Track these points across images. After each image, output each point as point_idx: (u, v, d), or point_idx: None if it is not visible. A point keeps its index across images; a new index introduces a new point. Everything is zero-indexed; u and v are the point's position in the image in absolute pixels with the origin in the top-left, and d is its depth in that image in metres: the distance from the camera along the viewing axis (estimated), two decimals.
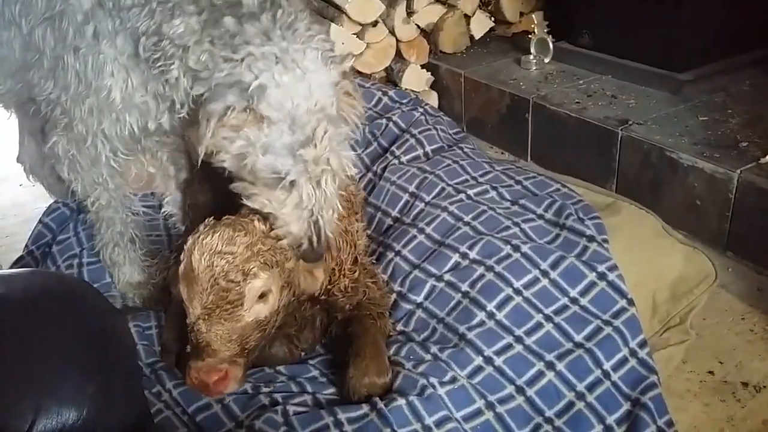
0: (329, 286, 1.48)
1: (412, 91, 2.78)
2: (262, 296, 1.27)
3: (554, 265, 1.54)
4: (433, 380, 1.36)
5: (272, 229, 1.31)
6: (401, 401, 1.31)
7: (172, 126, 1.47)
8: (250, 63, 1.24)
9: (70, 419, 0.70)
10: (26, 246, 1.95)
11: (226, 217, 1.33)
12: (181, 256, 1.28)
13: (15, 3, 1.50)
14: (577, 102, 2.38)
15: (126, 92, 1.40)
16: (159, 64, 1.33)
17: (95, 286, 1.60)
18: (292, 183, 1.27)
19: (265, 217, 1.32)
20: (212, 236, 1.26)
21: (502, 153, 2.64)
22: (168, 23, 1.29)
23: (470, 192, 1.76)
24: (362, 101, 1.43)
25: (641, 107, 2.29)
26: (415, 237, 1.66)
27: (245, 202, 1.33)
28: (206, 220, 1.32)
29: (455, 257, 1.58)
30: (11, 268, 1.78)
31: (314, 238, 1.30)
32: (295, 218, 1.30)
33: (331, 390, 1.42)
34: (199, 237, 1.27)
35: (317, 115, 1.26)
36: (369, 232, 1.80)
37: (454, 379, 1.38)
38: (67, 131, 1.49)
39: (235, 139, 1.26)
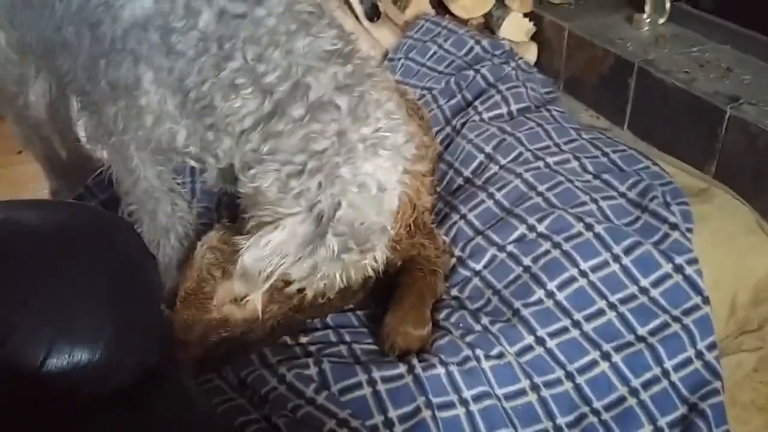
0: None
1: (510, 41, 2.64)
2: (240, 299, 1.29)
3: (628, 251, 1.44)
4: (479, 352, 1.32)
5: None
6: (440, 369, 1.27)
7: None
8: (322, 181, 1.14)
9: (82, 360, 0.70)
10: None
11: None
12: None
13: None
14: (686, 71, 2.19)
15: (158, 116, 1.24)
16: (208, 120, 1.20)
17: None
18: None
19: None
20: (218, 232, 1.33)
21: (598, 118, 2.48)
22: (221, 98, 1.17)
23: (549, 160, 1.66)
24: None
25: (757, 85, 2.07)
26: (483, 202, 1.59)
27: None
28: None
29: (522, 228, 1.50)
30: None
31: None
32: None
33: (369, 340, 1.39)
34: (211, 231, 1.34)
35: (378, 228, 1.19)
36: (439, 189, 1.74)
37: (501, 355, 1.33)
38: (98, 116, 1.33)
39: None
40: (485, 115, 1.88)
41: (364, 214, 1.17)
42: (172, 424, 0.77)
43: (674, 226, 1.48)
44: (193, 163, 1.44)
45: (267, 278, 1.17)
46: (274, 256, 1.15)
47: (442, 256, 1.51)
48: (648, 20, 2.50)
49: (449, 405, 1.25)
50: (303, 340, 1.38)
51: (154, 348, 0.78)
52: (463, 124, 1.87)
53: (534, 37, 2.74)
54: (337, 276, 1.21)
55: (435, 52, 2.21)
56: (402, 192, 1.44)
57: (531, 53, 2.72)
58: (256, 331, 1.35)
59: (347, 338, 1.40)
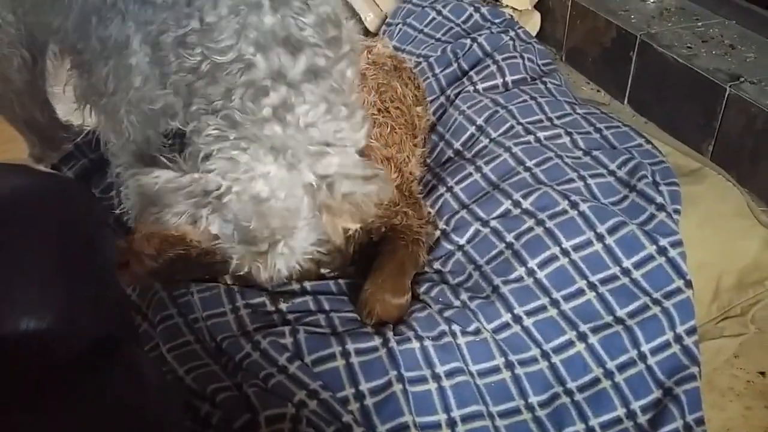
0: None
1: (514, 9, 2.58)
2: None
3: (612, 230, 1.41)
4: (456, 328, 1.31)
5: None
6: (415, 344, 1.27)
7: None
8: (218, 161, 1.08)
9: (29, 328, 0.69)
10: None
11: None
12: None
13: None
14: (688, 46, 2.13)
15: (147, 77, 1.19)
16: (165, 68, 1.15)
17: None
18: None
19: None
20: None
21: (598, 91, 2.44)
22: (173, 50, 1.12)
23: (540, 134, 1.63)
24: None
25: (759, 63, 2.03)
26: (470, 175, 1.56)
27: None
28: None
29: (506, 204, 1.48)
30: None
31: None
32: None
33: (349, 308, 1.38)
34: None
35: (268, 236, 1.13)
36: (428, 161, 1.72)
37: (477, 331, 1.32)
38: (89, 76, 1.30)
39: None
40: (480, 86, 1.84)
41: (248, 215, 1.11)
42: (123, 395, 0.76)
43: (661, 207, 1.45)
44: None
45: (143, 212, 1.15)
46: (139, 196, 1.13)
47: (425, 226, 1.49)
48: None
49: (421, 380, 1.24)
50: (282, 306, 1.37)
51: (106, 318, 0.77)
52: (457, 95, 1.83)
53: (538, 6, 2.68)
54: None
55: (433, 19, 2.16)
56: (385, 154, 1.41)
57: (534, 22, 2.66)
58: (212, 255, 1.30)
59: (326, 306, 1.38)
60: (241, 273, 1.20)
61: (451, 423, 1.21)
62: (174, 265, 1.31)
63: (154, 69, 1.18)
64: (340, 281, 1.46)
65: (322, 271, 1.44)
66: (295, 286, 1.41)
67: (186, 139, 1.12)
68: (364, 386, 1.22)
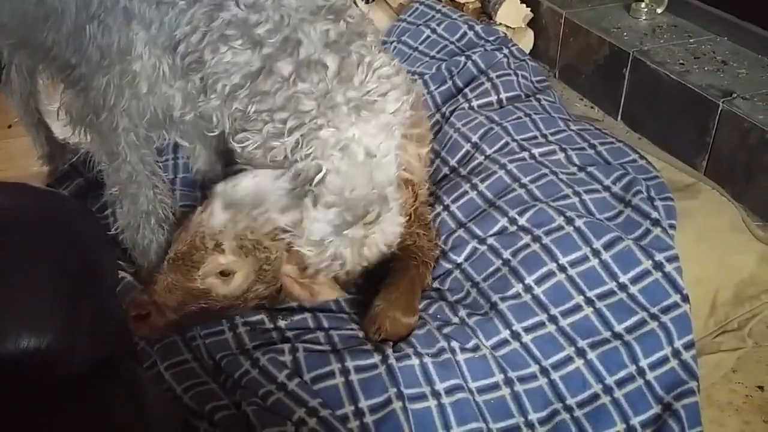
0: None
1: (507, 26, 2.61)
2: (226, 275, 1.29)
3: (608, 246, 1.42)
4: (455, 345, 1.31)
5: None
6: (414, 361, 1.26)
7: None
8: (306, 147, 1.12)
9: (29, 347, 0.69)
10: None
11: None
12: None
13: None
14: (681, 63, 2.16)
15: (154, 80, 1.21)
16: (197, 76, 1.18)
17: None
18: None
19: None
20: None
21: (592, 107, 2.46)
22: (211, 51, 1.14)
23: (535, 151, 1.64)
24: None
25: (751, 79, 2.05)
26: (466, 193, 1.57)
27: None
28: None
29: (503, 221, 1.48)
30: None
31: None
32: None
33: (349, 326, 1.38)
34: None
35: (374, 198, 1.17)
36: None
37: (476, 348, 1.32)
38: (85, 94, 1.29)
39: None
40: (474, 103, 1.85)
41: (352, 182, 1.14)
42: (123, 414, 0.76)
43: (656, 222, 1.46)
44: (184, 142, 1.46)
45: (237, 223, 1.17)
46: (246, 202, 1.14)
47: (434, 249, 1.50)
48: (646, 9, 2.48)
49: (421, 397, 1.24)
50: (281, 323, 1.37)
51: (105, 337, 0.77)
52: (452, 112, 1.84)
53: (531, 24, 2.71)
54: (347, 254, 1.20)
55: (428, 37, 2.18)
56: (404, 176, 1.43)
57: (527, 40, 2.69)
58: (236, 308, 1.34)
59: (325, 324, 1.38)
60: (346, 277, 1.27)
61: None
62: (195, 318, 1.32)
63: (172, 72, 1.20)
64: (339, 298, 1.46)
65: None
66: (294, 304, 1.41)
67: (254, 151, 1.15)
68: (364, 404, 1.22)
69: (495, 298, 1.38)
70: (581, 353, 1.32)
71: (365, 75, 1.16)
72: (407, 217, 1.45)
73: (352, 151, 1.14)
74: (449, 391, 1.25)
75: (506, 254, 1.44)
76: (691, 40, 2.30)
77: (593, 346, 1.33)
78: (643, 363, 1.32)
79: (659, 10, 2.47)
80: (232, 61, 1.15)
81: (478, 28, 2.15)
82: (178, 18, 1.16)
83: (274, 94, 1.14)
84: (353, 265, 1.26)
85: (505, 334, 1.34)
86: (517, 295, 1.38)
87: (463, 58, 2.01)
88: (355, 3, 2.51)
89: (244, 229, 1.21)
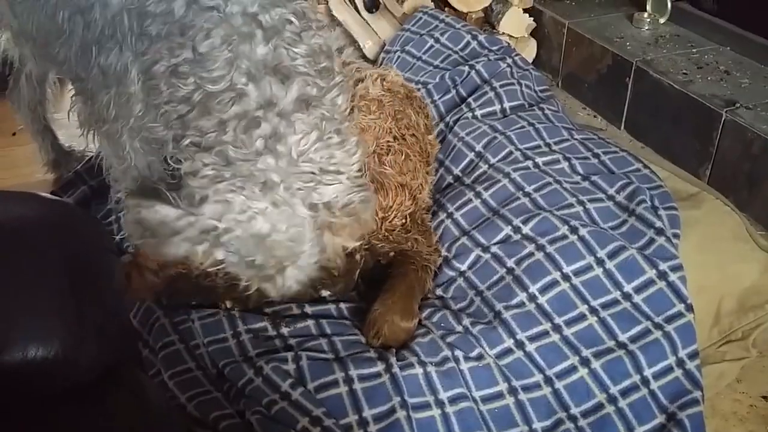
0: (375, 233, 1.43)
1: (510, 36, 2.62)
2: None
3: (612, 255, 1.42)
4: (459, 353, 1.31)
5: None
6: (418, 369, 1.26)
7: None
8: (210, 194, 1.08)
9: (37, 356, 0.69)
10: None
11: None
12: None
13: None
14: (684, 73, 2.17)
15: (148, 103, 1.20)
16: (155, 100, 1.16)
17: None
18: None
19: None
20: None
21: (595, 116, 2.47)
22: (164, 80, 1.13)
23: (539, 160, 1.64)
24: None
25: (754, 89, 2.06)
26: (470, 201, 1.57)
27: None
28: None
29: (507, 230, 1.49)
30: None
31: None
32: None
33: (351, 332, 1.38)
34: None
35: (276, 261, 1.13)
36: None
37: (480, 357, 1.32)
38: (92, 103, 1.32)
39: None
40: (478, 113, 1.86)
41: (247, 250, 1.11)
42: (127, 422, 0.76)
43: (660, 232, 1.46)
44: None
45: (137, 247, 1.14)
46: (139, 225, 1.09)
47: (433, 254, 1.50)
48: (649, 19, 2.49)
49: (425, 406, 1.24)
50: (284, 330, 1.37)
51: (112, 347, 0.77)
52: (456, 121, 1.84)
53: (534, 33, 2.72)
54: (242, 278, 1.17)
55: (431, 46, 2.19)
56: (400, 181, 1.41)
57: (530, 49, 2.70)
58: (213, 279, 1.30)
59: (328, 330, 1.38)
60: (250, 293, 1.20)
61: None
62: (175, 284, 1.30)
63: (148, 99, 1.20)
64: (341, 305, 1.46)
65: (324, 294, 1.45)
66: (296, 310, 1.41)
67: (181, 179, 1.11)
68: (368, 413, 1.21)
69: (499, 306, 1.38)
70: (585, 362, 1.32)
71: (302, 147, 1.11)
72: (403, 220, 1.45)
73: (258, 225, 1.09)
74: (453, 400, 1.25)
75: (510, 263, 1.44)
76: (694, 50, 2.30)
77: (597, 355, 1.33)
78: (648, 372, 1.32)
79: (662, 20, 2.48)
80: (178, 94, 1.14)
81: (481, 37, 2.16)
82: (151, 47, 1.16)
83: (205, 133, 1.11)
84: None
85: (509, 343, 1.34)
86: (521, 304, 1.38)
87: (466, 68, 2.01)
88: (357, 12, 2.52)
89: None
